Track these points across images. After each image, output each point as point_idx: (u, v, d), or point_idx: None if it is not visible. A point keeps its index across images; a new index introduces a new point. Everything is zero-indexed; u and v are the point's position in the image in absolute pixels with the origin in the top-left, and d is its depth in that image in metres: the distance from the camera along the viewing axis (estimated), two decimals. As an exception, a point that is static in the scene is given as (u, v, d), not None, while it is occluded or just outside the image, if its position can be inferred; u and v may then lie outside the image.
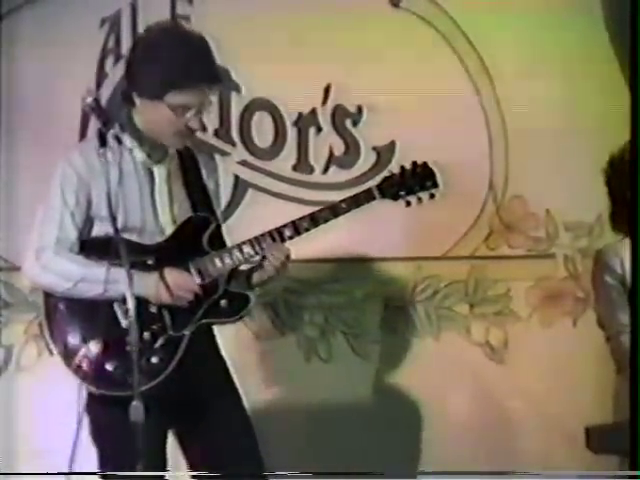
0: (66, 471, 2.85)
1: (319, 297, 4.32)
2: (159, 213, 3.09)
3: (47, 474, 3.33)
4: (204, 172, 3.21)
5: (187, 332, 3.03)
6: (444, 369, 4.31)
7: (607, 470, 3.50)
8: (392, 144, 4.34)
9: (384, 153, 4.34)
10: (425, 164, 3.26)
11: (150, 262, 3.03)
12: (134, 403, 2.71)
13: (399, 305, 4.38)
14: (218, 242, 3.15)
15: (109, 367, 2.97)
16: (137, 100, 3.03)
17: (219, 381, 3.16)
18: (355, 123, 4.34)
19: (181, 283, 3.01)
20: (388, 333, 4.36)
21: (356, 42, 4.24)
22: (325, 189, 4.33)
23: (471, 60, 4.37)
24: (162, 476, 3.05)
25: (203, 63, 3.01)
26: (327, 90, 4.31)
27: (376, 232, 4.29)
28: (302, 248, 4.01)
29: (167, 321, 3.03)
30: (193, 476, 3.14)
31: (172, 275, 3.01)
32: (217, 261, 3.07)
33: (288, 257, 3.14)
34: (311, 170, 4.33)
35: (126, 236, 2.98)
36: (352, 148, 4.34)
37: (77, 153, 3.03)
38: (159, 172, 3.11)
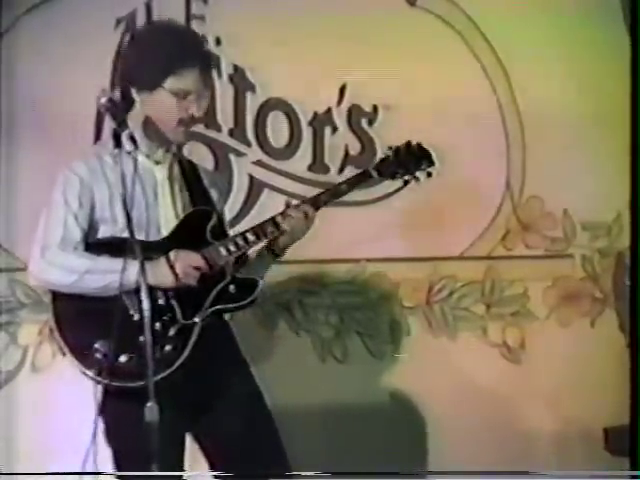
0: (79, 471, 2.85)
1: (334, 298, 4.31)
2: (161, 211, 3.12)
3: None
4: (206, 182, 3.26)
5: (198, 319, 3.05)
6: (461, 370, 4.29)
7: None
8: (408, 144, 4.31)
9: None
10: (419, 144, 3.31)
11: (155, 257, 3.03)
12: (149, 404, 2.69)
13: (415, 306, 4.37)
14: (221, 234, 3.17)
15: (123, 359, 2.97)
16: (136, 96, 3.07)
17: (235, 368, 3.17)
18: (371, 122, 4.32)
19: (188, 261, 3.02)
20: (403, 334, 4.35)
21: (372, 41, 4.22)
22: (341, 189, 4.32)
23: (488, 59, 4.36)
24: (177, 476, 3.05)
25: (195, 48, 3.10)
26: (343, 90, 4.29)
27: (392, 232, 4.28)
28: (318, 249, 4.03)
29: (177, 310, 3.04)
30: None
31: (178, 255, 3.02)
32: (222, 249, 3.09)
33: (307, 215, 3.17)
34: (327, 170, 4.31)
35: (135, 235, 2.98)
36: (368, 148, 4.33)
37: (78, 159, 3.07)
38: (160, 172, 3.14)
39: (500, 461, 4.23)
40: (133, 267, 2.85)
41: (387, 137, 4.31)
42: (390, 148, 3.34)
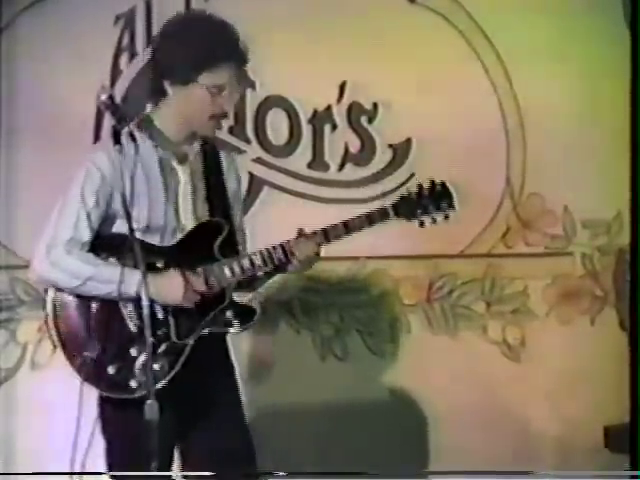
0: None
1: (334, 296, 4.31)
2: (181, 214, 3.07)
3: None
4: (225, 169, 3.19)
5: (190, 341, 3.01)
6: (461, 368, 4.29)
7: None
8: (408, 141, 4.32)
9: (400, 150, 4.33)
10: (443, 184, 3.19)
11: (159, 265, 3.01)
12: (149, 401, 2.69)
13: (415, 303, 4.36)
14: (230, 249, 3.11)
15: (111, 370, 2.95)
16: (169, 89, 3.03)
17: (223, 392, 3.12)
18: (371, 120, 4.32)
19: (188, 284, 2.98)
20: (404, 332, 4.34)
21: (372, 38, 4.22)
22: (341, 186, 4.32)
23: (488, 56, 4.35)
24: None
25: (232, 43, 3.04)
26: (342, 87, 4.29)
27: (392, 230, 4.27)
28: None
29: (172, 327, 3.01)
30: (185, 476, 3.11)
31: (179, 276, 2.98)
32: (226, 270, 3.04)
33: (318, 254, 3.12)
34: (326, 167, 4.31)
35: (148, 236, 2.99)
36: (368, 145, 4.32)
37: (102, 152, 2.98)
38: (183, 172, 3.09)
39: (500, 459, 4.23)
40: (134, 278, 2.86)
41: (387, 135, 4.32)
42: (407, 191, 3.21)
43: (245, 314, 3.09)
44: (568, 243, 4.45)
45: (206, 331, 3.04)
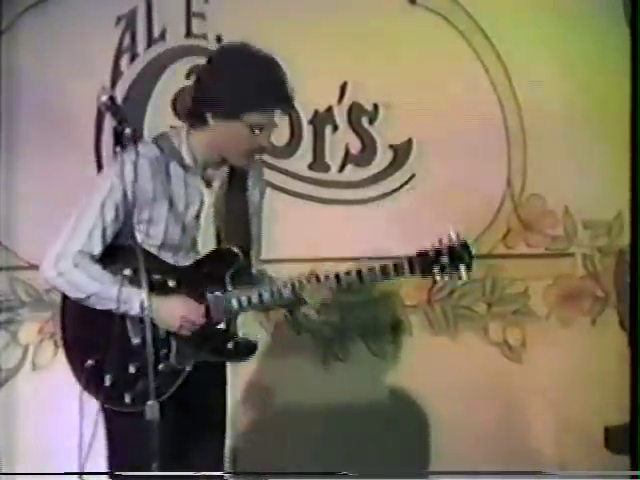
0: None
1: (335, 296, 4.29)
2: (200, 236, 3.08)
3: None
4: (250, 187, 3.17)
5: (188, 367, 3.01)
6: (462, 369, 4.28)
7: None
8: (409, 142, 4.32)
9: (401, 151, 4.32)
10: (465, 244, 3.06)
11: (171, 284, 3.02)
12: (150, 402, 2.69)
13: (416, 305, 4.36)
14: (242, 276, 3.09)
15: (107, 382, 2.96)
16: (211, 120, 3.00)
17: (210, 422, 3.13)
18: (371, 121, 4.32)
19: (188, 313, 2.99)
20: (405, 333, 4.34)
21: (373, 39, 4.21)
22: (341, 187, 4.32)
23: (488, 57, 4.34)
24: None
25: (280, 86, 3.02)
26: (343, 88, 4.29)
27: (393, 230, 4.27)
28: (318, 247, 4.02)
29: (173, 350, 3.02)
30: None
31: (181, 303, 2.99)
32: (234, 302, 3.04)
33: (329, 292, 3.06)
34: (327, 168, 4.31)
35: (163, 253, 3.02)
36: (368, 146, 4.32)
37: (129, 166, 2.90)
38: (209, 195, 3.09)
39: (501, 460, 4.23)
40: (137, 298, 2.88)
41: (388, 135, 4.32)
42: (427, 249, 3.10)
43: (246, 348, 3.09)
44: (569, 244, 4.44)
45: (205, 359, 3.04)
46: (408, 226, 4.26)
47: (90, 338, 3.00)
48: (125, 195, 2.90)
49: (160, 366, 2.98)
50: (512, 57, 4.35)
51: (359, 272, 3.07)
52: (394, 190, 4.32)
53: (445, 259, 3.05)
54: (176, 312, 2.98)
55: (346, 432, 4.19)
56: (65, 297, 3.07)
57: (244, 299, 3.04)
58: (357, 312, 4.32)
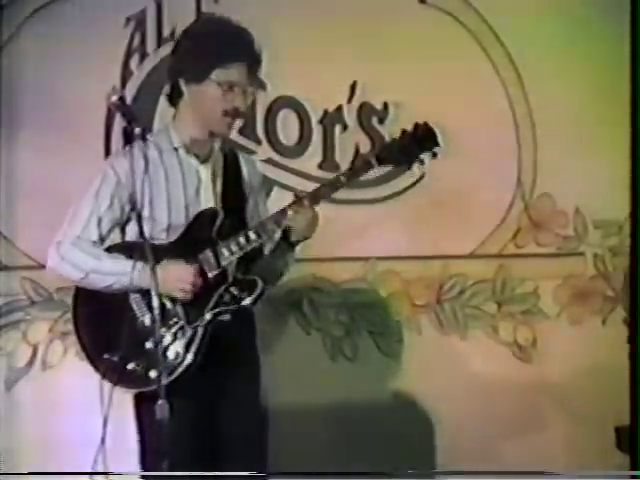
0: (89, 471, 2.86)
1: (345, 296, 4.31)
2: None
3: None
4: (246, 172, 3.26)
5: (201, 324, 3.06)
6: (471, 368, 4.28)
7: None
8: (419, 141, 4.31)
9: (411, 150, 4.31)
10: (426, 124, 3.20)
11: (164, 260, 3.05)
12: (160, 402, 2.71)
13: (425, 304, 4.36)
14: (228, 231, 3.14)
15: (130, 367, 3.01)
16: (185, 88, 3.11)
17: (243, 374, 3.17)
18: (381, 120, 4.31)
19: (176, 276, 3.03)
20: (414, 332, 4.34)
21: (383, 39, 4.21)
22: (351, 187, 4.30)
23: (499, 57, 4.34)
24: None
25: (245, 44, 3.12)
26: (353, 87, 4.29)
27: (403, 230, 4.27)
28: (328, 246, 4.02)
29: (182, 315, 3.07)
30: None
31: (172, 269, 3.03)
32: (225, 251, 3.09)
33: (306, 209, 3.12)
34: (337, 168, 4.30)
35: (171, 233, 3.08)
36: (378, 145, 4.31)
37: (122, 157, 3.03)
38: (205, 171, 3.16)
39: (511, 460, 4.22)
40: (135, 270, 2.95)
41: (398, 135, 4.31)
42: (390, 138, 3.27)
43: (249, 286, 3.12)
44: (579, 243, 4.44)
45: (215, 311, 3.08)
46: (418, 225, 4.26)
47: (104, 333, 3.04)
48: (118, 184, 3.04)
49: (175, 333, 3.03)
50: (522, 56, 4.35)
51: (331, 182, 3.16)
52: (404, 189, 4.32)
53: (410, 144, 3.16)
54: (169, 277, 3.01)
55: (355, 431, 4.19)
56: (76, 296, 3.13)
57: (233, 245, 3.09)
58: (366, 311, 4.32)
